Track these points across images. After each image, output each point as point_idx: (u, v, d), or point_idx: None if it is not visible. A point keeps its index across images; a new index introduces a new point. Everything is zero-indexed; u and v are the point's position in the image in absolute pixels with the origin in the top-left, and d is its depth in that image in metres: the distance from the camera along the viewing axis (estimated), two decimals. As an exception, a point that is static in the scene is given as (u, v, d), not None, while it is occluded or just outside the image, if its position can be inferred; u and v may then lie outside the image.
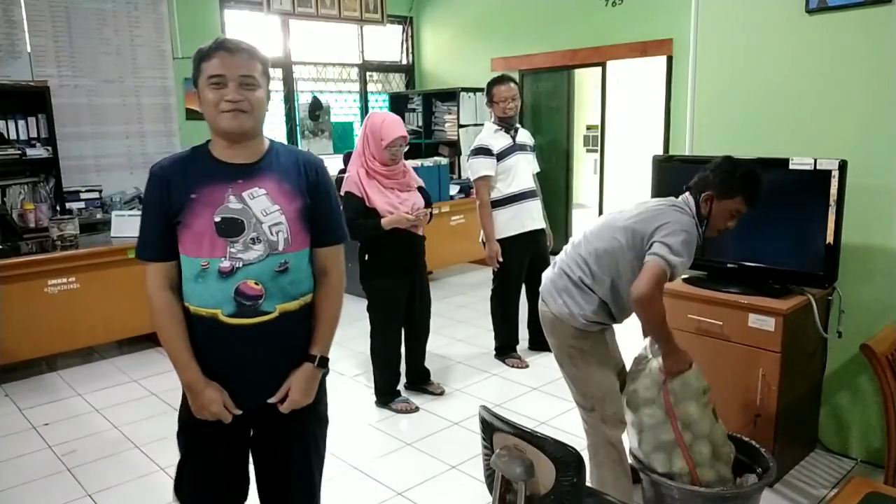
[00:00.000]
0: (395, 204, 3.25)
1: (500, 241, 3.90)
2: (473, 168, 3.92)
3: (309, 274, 1.75)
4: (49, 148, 4.84)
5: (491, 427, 1.72)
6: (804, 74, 2.84)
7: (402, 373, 3.63)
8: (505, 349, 4.16)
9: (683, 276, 2.61)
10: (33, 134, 4.87)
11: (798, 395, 2.75)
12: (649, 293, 2.02)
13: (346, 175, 3.34)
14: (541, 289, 2.39)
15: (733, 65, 3.05)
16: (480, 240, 4.01)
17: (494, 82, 3.96)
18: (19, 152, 4.72)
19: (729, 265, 2.83)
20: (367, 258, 3.35)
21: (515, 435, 1.65)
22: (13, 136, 4.79)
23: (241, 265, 1.62)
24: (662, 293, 2.08)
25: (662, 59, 5.75)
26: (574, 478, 1.55)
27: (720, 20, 3.07)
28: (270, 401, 1.73)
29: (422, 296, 3.51)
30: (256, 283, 1.64)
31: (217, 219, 1.61)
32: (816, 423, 2.98)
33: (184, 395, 1.72)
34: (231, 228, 1.61)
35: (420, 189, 3.42)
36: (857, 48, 2.69)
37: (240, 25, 6.86)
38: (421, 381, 3.70)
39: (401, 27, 8.09)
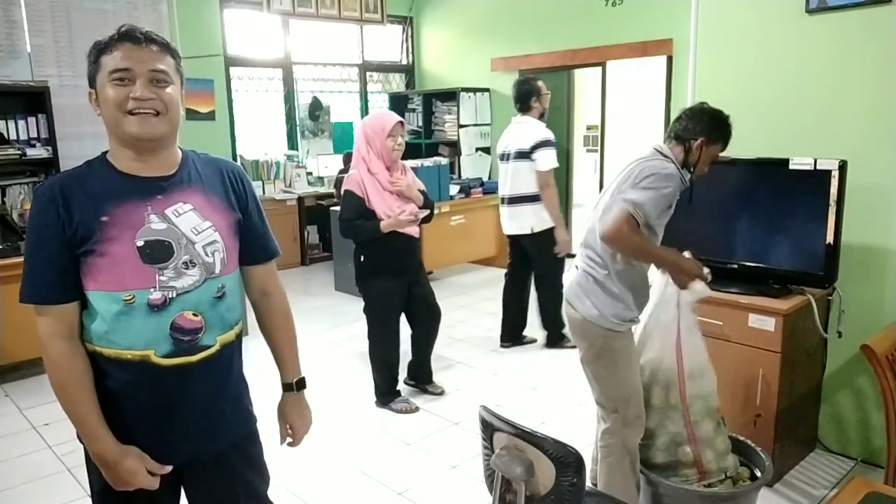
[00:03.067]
0: (394, 208, 3.26)
1: (546, 231, 4.05)
2: (548, 159, 3.99)
3: (240, 297, 1.55)
4: (49, 148, 4.84)
5: (491, 427, 1.72)
6: (804, 74, 2.84)
7: (400, 372, 3.62)
8: (558, 337, 4.23)
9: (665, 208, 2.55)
10: (33, 134, 4.87)
11: (798, 395, 2.76)
12: (612, 231, 2.10)
13: (347, 175, 3.35)
14: (566, 292, 2.38)
15: (733, 64, 3.05)
16: (531, 230, 4.07)
17: (536, 79, 4.16)
18: (19, 152, 4.72)
19: (729, 265, 2.83)
20: (362, 259, 3.36)
21: (515, 435, 1.64)
22: (13, 136, 4.79)
23: (174, 295, 1.37)
24: (631, 230, 2.09)
25: (662, 59, 5.75)
26: (574, 478, 1.55)
27: (720, 20, 3.07)
28: (282, 446, 1.66)
29: (423, 297, 3.50)
30: (195, 314, 1.40)
31: (139, 243, 1.34)
32: (816, 423, 2.98)
33: (91, 462, 1.44)
34: (157, 253, 1.35)
35: (421, 192, 3.42)
36: (857, 48, 2.69)
37: (240, 25, 6.87)
38: (422, 380, 3.70)
39: (401, 27, 8.10)
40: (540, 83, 4.14)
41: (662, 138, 2.32)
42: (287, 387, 1.66)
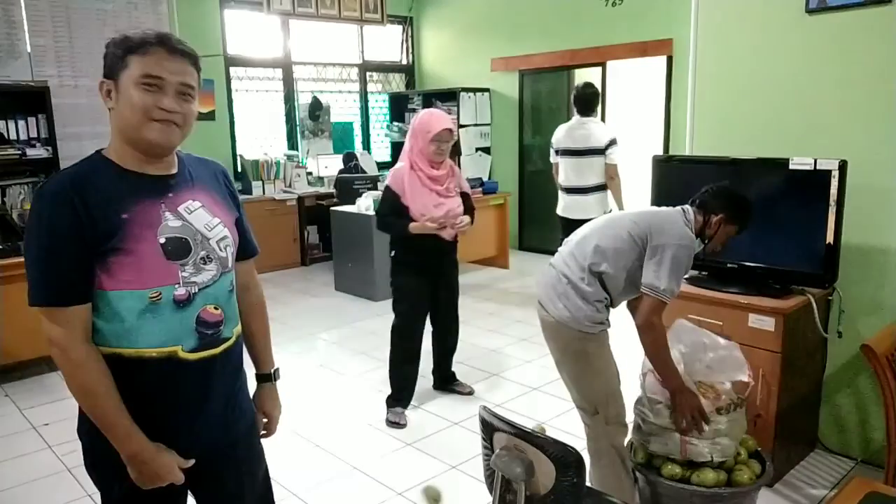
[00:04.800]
0: (430, 206, 3.24)
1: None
2: (619, 154, 4.61)
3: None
4: (49, 148, 4.84)
5: (491, 427, 1.72)
6: (804, 74, 2.84)
7: (416, 378, 3.52)
8: None
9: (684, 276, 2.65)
10: (33, 134, 4.87)
11: (798, 395, 2.76)
12: (648, 321, 2.19)
13: (393, 167, 3.36)
14: (539, 293, 2.40)
15: (733, 65, 3.05)
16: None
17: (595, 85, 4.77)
18: (19, 152, 4.72)
19: (729, 265, 2.83)
20: (393, 254, 3.39)
21: (515, 435, 1.65)
22: (13, 136, 4.79)
23: (196, 290, 1.39)
24: (661, 320, 2.20)
25: (662, 59, 5.76)
26: (574, 478, 1.56)
27: (720, 20, 3.07)
28: (264, 440, 1.67)
29: (447, 299, 3.52)
30: (216, 308, 1.44)
31: (161, 240, 1.35)
32: (816, 423, 2.98)
33: (103, 464, 1.43)
34: (178, 249, 1.37)
35: (464, 196, 3.45)
36: (857, 48, 2.69)
37: (240, 25, 6.87)
38: (447, 381, 3.71)
39: (401, 27, 8.10)
40: (596, 90, 4.73)
41: (689, 202, 2.36)
42: (265, 377, 1.70)
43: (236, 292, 1.61)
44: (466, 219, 3.37)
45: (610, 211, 4.61)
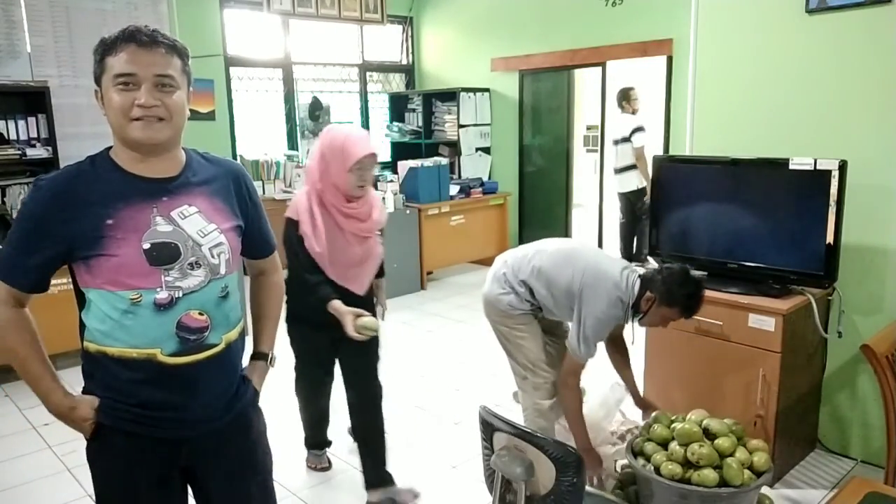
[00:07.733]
0: (344, 260, 2.52)
1: (640, 189, 6.01)
2: (640, 139, 5.91)
3: (240, 296, 1.57)
4: (49, 148, 4.84)
5: (491, 427, 1.73)
6: (804, 74, 2.84)
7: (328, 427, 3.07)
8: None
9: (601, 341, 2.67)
10: (33, 134, 4.86)
11: (798, 395, 2.76)
12: (564, 380, 2.52)
13: (294, 195, 2.60)
14: (489, 271, 2.74)
15: (733, 65, 3.05)
16: (636, 187, 6.02)
17: (630, 88, 6.12)
18: (19, 152, 4.71)
19: (729, 265, 2.83)
20: (286, 301, 2.50)
21: (515, 435, 1.65)
22: (13, 136, 4.78)
23: (180, 294, 1.38)
24: (577, 380, 2.50)
25: (662, 59, 5.75)
26: (574, 478, 1.56)
27: (720, 20, 3.07)
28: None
29: (359, 366, 2.71)
30: (201, 314, 1.41)
31: (146, 245, 1.34)
32: (816, 423, 2.98)
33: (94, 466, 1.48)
34: (164, 255, 1.36)
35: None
36: (857, 48, 2.69)
37: (240, 25, 6.87)
38: (374, 481, 2.69)
39: (401, 27, 8.10)
40: (629, 90, 6.11)
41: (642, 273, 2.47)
42: (261, 356, 1.68)
43: (255, 273, 1.70)
44: (372, 321, 2.37)
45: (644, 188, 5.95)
